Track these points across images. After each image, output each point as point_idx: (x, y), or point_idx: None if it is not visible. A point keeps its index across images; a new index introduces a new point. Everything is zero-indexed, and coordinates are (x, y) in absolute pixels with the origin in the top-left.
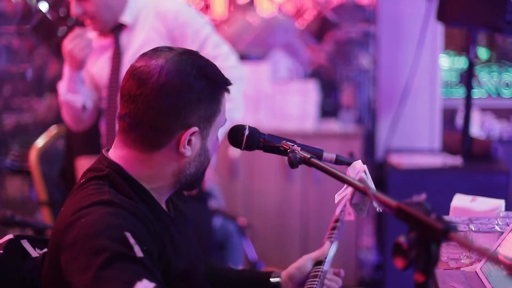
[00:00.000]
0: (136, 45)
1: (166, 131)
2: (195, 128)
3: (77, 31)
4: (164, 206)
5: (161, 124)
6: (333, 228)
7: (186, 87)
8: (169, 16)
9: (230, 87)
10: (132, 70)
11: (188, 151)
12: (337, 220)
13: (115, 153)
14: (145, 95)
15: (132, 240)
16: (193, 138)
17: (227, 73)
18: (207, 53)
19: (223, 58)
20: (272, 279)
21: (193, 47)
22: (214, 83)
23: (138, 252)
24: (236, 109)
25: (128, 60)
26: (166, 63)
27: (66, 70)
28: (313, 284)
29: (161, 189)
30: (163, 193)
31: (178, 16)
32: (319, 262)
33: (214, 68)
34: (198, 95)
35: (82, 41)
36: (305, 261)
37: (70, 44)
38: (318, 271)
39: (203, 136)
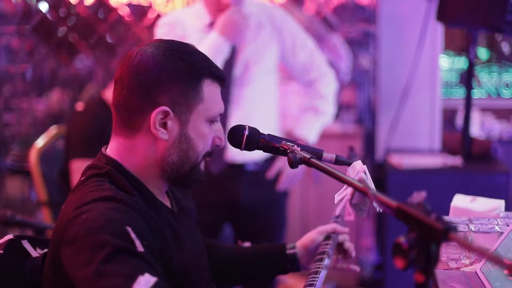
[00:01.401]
0: (250, 45)
1: (138, 111)
2: (164, 108)
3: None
4: (167, 201)
5: (132, 103)
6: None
7: (156, 67)
8: (285, 27)
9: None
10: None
11: (163, 134)
12: (337, 216)
13: (111, 146)
14: (121, 75)
15: (133, 235)
16: (169, 122)
17: (329, 79)
18: (316, 62)
19: (326, 65)
20: (288, 251)
21: (305, 55)
22: (192, 67)
23: (139, 247)
24: (329, 113)
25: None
26: (146, 46)
27: (215, 40)
28: (322, 256)
29: (154, 181)
30: (158, 185)
31: (292, 27)
32: (328, 237)
33: (199, 55)
34: (169, 75)
35: (247, 18)
36: (318, 234)
37: (236, 15)
38: (327, 246)
39: (181, 122)
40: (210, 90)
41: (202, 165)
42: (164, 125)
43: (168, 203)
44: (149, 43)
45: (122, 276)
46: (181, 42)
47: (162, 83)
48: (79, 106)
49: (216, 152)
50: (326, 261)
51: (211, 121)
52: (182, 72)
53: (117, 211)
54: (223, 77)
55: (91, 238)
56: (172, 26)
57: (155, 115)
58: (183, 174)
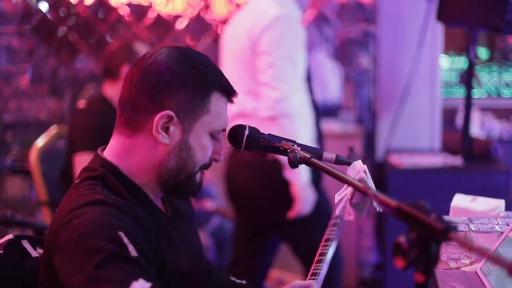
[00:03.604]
0: None
1: (144, 112)
2: (169, 112)
3: None
4: (161, 205)
5: (139, 103)
6: (334, 225)
7: (168, 70)
8: None
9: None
10: None
11: (164, 138)
12: (337, 217)
13: (110, 144)
14: (132, 74)
15: (126, 240)
16: (172, 127)
17: None
18: None
19: None
20: None
21: None
22: (204, 77)
23: (133, 252)
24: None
25: None
26: (162, 49)
27: None
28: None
29: (151, 186)
30: (153, 190)
31: None
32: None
33: (213, 68)
34: (180, 81)
35: None
36: None
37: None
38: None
39: (184, 129)
40: (218, 103)
41: (198, 176)
42: (166, 130)
43: (162, 207)
44: (165, 47)
45: (115, 282)
46: (197, 51)
47: (172, 87)
48: (81, 103)
49: None
50: (327, 262)
51: (213, 134)
52: (193, 80)
53: (109, 216)
54: (232, 94)
55: (83, 244)
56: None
57: (159, 118)
58: (179, 183)
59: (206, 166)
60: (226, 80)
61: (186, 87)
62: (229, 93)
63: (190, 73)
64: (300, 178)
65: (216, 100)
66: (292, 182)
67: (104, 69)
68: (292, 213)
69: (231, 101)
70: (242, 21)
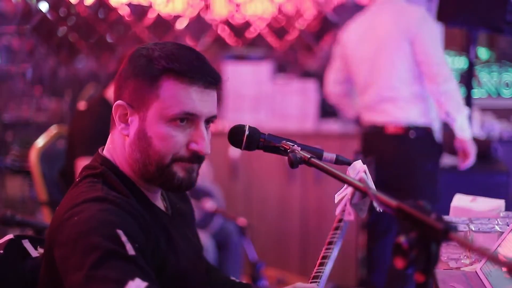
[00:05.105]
0: None
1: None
2: (120, 102)
3: None
4: (160, 204)
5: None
6: (336, 228)
7: (127, 62)
8: None
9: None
10: None
11: (123, 129)
12: (340, 220)
13: (106, 143)
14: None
15: (124, 238)
16: (130, 118)
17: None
18: None
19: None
20: None
21: None
22: (150, 64)
23: (130, 250)
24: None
25: None
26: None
27: None
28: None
29: (139, 181)
30: (146, 187)
31: None
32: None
33: (172, 56)
34: (132, 70)
35: None
36: None
37: None
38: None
39: (140, 118)
40: (172, 88)
41: (177, 169)
42: (125, 120)
43: (162, 206)
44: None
45: (112, 282)
46: (170, 42)
47: (127, 78)
48: (81, 105)
49: None
50: (329, 265)
51: (174, 121)
52: (140, 67)
53: (108, 213)
54: (203, 80)
55: (82, 241)
56: None
57: (114, 110)
58: (151, 174)
59: (185, 159)
60: (194, 65)
61: (135, 76)
62: (190, 77)
63: (139, 62)
64: (470, 135)
65: (168, 84)
66: (465, 139)
67: (115, 71)
68: (463, 165)
69: (208, 87)
70: (393, 23)
